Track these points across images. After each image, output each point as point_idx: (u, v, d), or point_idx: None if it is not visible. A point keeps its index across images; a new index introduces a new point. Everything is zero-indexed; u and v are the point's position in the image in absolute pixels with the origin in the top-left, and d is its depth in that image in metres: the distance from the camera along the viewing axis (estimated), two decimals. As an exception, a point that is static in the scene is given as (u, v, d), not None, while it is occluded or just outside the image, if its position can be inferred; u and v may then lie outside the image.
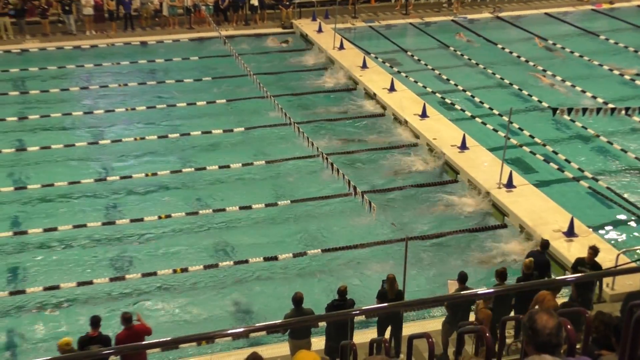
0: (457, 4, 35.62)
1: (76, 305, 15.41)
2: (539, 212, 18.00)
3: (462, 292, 12.34)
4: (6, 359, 13.89)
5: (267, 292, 15.91)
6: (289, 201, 19.33)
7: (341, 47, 29.52)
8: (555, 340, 4.52)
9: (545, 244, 14.60)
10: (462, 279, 12.98)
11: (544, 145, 21.98)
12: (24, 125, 23.64)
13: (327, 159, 18.94)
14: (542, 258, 14.20)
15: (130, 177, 20.38)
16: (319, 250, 17.28)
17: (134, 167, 20.99)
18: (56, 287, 15.77)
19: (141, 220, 18.33)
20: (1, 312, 15.21)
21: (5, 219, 18.55)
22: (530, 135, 22.51)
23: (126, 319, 12.05)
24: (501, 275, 12.96)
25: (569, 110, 19.49)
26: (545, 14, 35.53)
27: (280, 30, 33.24)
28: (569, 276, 14.23)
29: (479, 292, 11.31)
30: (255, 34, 32.68)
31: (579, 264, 14.04)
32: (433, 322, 13.97)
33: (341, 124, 24.07)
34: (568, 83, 26.65)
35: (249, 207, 18.98)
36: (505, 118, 21.31)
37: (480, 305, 12.53)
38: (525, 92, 25.92)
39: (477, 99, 25.50)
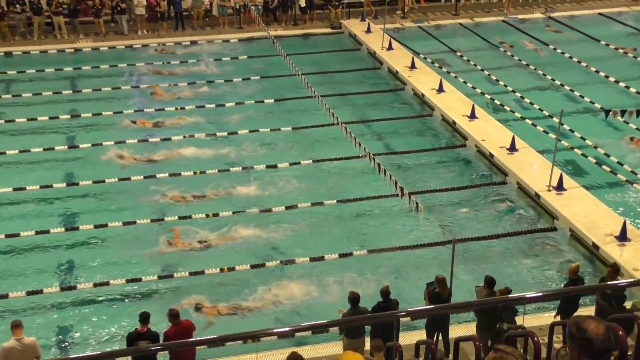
0: (509, 4, 35.22)
1: (125, 302, 15.64)
2: (590, 215, 17.67)
3: (509, 296, 12.18)
4: (56, 353, 14.14)
5: (313, 292, 15.90)
6: (335, 201, 19.32)
7: (390, 48, 29.42)
8: (609, 345, 4.44)
9: None
10: (490, 283, 12.79)
11: (596, 147, 21.58)
12: (76, 123, 24.11)
13: (374, 159, 18.90)
14: None
15: (179, 174, 20.61)
16: (365, 251, 17.24)
17: (183, 166, 21.20)
18: (106, 284, 16.03)
19: (189, 217, 18.51)
20: (52, 307, 15.50)
21: (57, 215, 18.92)
22: (581, 137, 22.12)
23: (173, 315, 12.19)
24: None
25: (622, 112, 19.10)
26: (599, 14, 34.90)
27: (329, 30, 33.31)
28: (621, 282, 13.96)
29: (527, 296, 11.17)
30: (304, 34, 32.84)
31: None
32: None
33: (388, 124, 23.99)
34: (622, 84, 26.16)
35: (295, 207, 19.03)
36: (556, 120, 20.98)
37: None
38: (576, 93, 25.49)
39: (527, 100, 25.17)
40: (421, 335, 12.88)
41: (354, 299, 12.27)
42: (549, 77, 27.21)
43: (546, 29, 33.18)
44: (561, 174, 18.98)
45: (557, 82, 26.60)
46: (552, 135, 20.93)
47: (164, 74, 28.23)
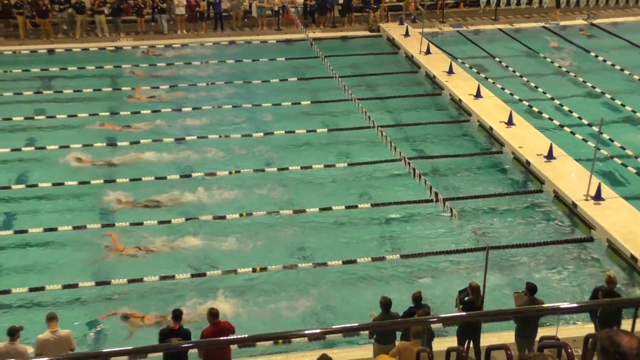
0: (556, 12, 34.85)
1: (158, 299, 15.76)
2: (628, 226, 17.37)
3: (545, 305, 12.05)
4: (90, 346, 14.30)
5: (344, 295, 15.89)
6: (369, 204, 19.28)
7: (428, 52, 29.29)
8: None
9: None
10: (532, 289, 12.63)
11: (636, 157, 21.24)
12: (115, 121, 24.37)
13: (409, 163, 18.83)
14: None
15: (215, 174, 20.75)
16: (398, 255, 17.17)
17: (218, 165, 21.34)
18: (139, 280, 16.20)
19: (223, 218, 18.61)
20: (87, 302, 15.69)
21: (94, 211, 19.14)
22: (621, 147, 21.79)
23: (213, 314, 12.22)
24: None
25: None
26: (643, 21, 34.43)
27: (367, 33, 33.30)
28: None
29: (561, 306, 11.05)
30: (342, 37, 32.86)
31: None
32: (511, 334, 13.66)
33: (424, 128, 23.87)
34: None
35: (329, 209, 19.03)
36: (595, 128, 20.71)
37: None
38: (617, 102, 25.13)
39: (566, 108, 24.88)
40: (452, 342, 12.79)
41: (386, 303, 12.25)
42: (589, 84, 26.88)
43: (579, 32, 32.81)
44: (599, 183, 18.70)
45: (598, 90, 26.25)
46: (591, 144, 20.66)
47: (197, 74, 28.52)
